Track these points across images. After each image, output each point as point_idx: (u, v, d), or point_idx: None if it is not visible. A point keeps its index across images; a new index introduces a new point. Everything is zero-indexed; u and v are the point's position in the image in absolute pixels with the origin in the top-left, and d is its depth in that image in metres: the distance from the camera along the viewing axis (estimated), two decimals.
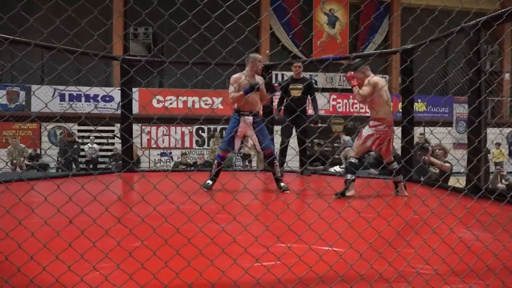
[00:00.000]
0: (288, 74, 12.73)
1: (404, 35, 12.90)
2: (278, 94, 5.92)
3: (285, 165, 5.66)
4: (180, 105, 12.75)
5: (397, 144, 6.43)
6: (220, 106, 12.69)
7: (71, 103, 11.51)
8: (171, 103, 12.42)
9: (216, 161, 4.13)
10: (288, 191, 4.04)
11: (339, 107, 14.05)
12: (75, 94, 11.79)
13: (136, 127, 11.18)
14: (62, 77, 10.32)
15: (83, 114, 10.44)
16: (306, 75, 13.81)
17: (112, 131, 11.48)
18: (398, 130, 4.32)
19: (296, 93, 5.44)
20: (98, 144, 11.66)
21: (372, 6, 14.54)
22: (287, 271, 1.62)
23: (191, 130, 12.47)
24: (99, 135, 11.69)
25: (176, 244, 1.64)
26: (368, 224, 1.70)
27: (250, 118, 4.08)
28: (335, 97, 13.97)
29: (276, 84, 4.15)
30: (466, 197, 3.00)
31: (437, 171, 6.11)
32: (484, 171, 3.97)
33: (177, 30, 1.71)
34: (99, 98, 11.94)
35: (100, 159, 11.55)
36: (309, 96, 5.58)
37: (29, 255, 1.52)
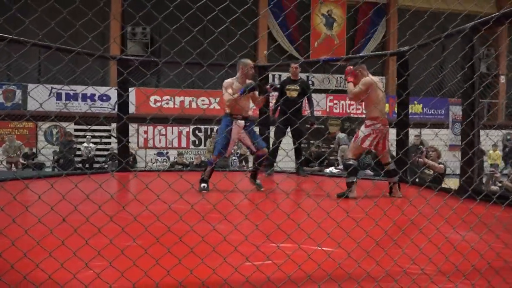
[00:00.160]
0: (285, 75, 12.79)
1: (402, 36, 12.98)
2: (275, 95, 5.96)
3: (275, 165, 5.72)
4: (177, 105, 12.76)
5: (392, 145, 6.48)
6: (217, 106, 12.72)
7: (66, 102, 11.51)
8: (167, 103, 12.45)
9: (208, 166, 4.16)
10: (262, 189, 4.19)
11: (335, 108, 14.10)
12: (71, 94, 11.79)
13: (133, 127, 11.21)
14: (60, 74, 10.32)
15: (77, 114, 10.45)
16: (303, 76, 13.91)
17: (109, 130, 11.49)
18: (393, 131, 4.37)
19: (292, 94, 5.49)
20: (95, 143, 11.67)
21: (369, 8, 14.61)
22: (276, 270, 1.65)
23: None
24: (95, 134, 11.70)
25: (168, 242, 1.66)
26: (356, 224, 1.74)
27: (242, 122, 4.16)
28: (331, 98, 14.03)
29: (267, 86, 4.20)
30: (457, 198, 3.05)
31: (431, 172, 6.16)
32: (477, 172, 4.01)
33: (170, 33, 1.74)
34: (96, 98, 11.95)
35: (96, 159, 11.56)
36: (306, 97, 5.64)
37: (22, 252, 1.54)
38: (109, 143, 11.86)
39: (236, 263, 1.66)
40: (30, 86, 11.41)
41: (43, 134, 11.82)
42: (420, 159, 6.42)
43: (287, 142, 5.26)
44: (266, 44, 13.67)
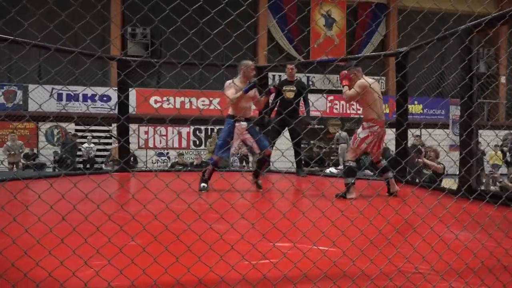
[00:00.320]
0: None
1: (401, 36, 13.00)
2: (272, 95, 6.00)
3: (271, 165, 5.78)
4: (178, 106, 12.80)
5: (392, 146, 6.50)
6: (217, 107, 12.75)
7: (65, 103, 11.55)
8: (168, 104, 12.49)
9: (210, 166, 4.19)
10: (261, 189, 4.24)
11: (336, 109, 14.13)
12: (72, 94, 11.84)
13: (133, 127, 11.24)
14: (60, 76, 10.37)
15: (76, 114, 10.49)
16: (303, 76, 13.93)
17: (109, 130, 11.53)
18: (391, 131, 4.39)
19: (289, 95, 5.52)
20: (95, 144, 11.71)
21: (369, 8, 14.62)
22: (272, 268, 1.68)
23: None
24: (94, 135, 11.73)
25: (165, 241, 1.69)
26: (350, 223, 1.77)
27: (244, 123, 4.20)
28: (332, 98, 14.05)
29: (272, 88, 4.24)
30: (452, 198, 3.07)
31: (430, 172, 6.19)
32: (476, 172, 4.04)
33: (169, 35, 1.76)
34: (96, 98, 11.99)
35: (97, 159, 11.60)
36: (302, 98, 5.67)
37: (23, 250, 1.57)
38: (110, 144, 11.89)
39: (232, 261, 1.68)
40: (31, 86, 11.45)
41: (43, 135, 11.86)
42: (419, 159, 6.46)
43: (282, 142, 5.30)
44: (266, 45, 13.71)
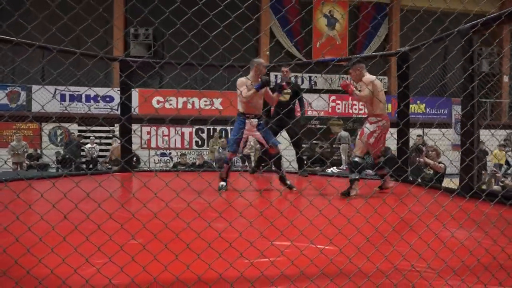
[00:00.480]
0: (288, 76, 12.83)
1: (402, 36, 13.00)
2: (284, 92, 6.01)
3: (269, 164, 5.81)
4: (180, 106, 12.85)
5: (393, 145, 6.51)
6: (220, 107, 12.78)
7: (67, 104, 11.62)
8: (170, 104, 12.54)
9: (224, 164, 4.27)
10: (295, 188, 4.25)
11: (338, 109, 14.14)
12: (75, 95, 11.90)
13: (136, 127, 11.29)
14: (63, 77, 10.43)
15: (79, 115, 10.55)
16: (306, 76, 13.94)
17: (113, 131, 11.58)
18: (393, 131, 4.41)
19: (284, 97, 5.52)
20: (98, 144, 11.77)
21: (372, 8, 14.62)
22: (269, 265, 1.71)
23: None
24: (96, 135, 11.79)
25: (165, 239, 1.72)
26: (347, 221, 1.79)
27: (255, 120, 4.26)
28: (334, 98, 14.06)
29: (284, 84, 4.27)
30: (452, 197, 3.09)
31: (431, 172, 6.20)
32: (477, 171, 4.05)
33: (171, 36, 1.79)
34: (99, 99, 12.05)
35: (100, 159, 11.65)
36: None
37: (26, 248, 1.61)
38: (111, 144, 11.96)
39: (231, 259, 1.71)
40: (34, 87, 11.52)
41: (47, 135, 11.93)
42: (420, 159, 6.47)
43: (281, 142, 5.33)
44: (268, 46, 13.73)
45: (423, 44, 4.42)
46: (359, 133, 4.06)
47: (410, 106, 14.00)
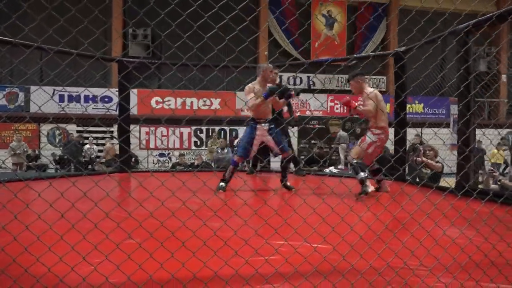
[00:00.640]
0: (286, 75, 12.87)
1: (401, 36, 13.03)
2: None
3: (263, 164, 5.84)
4: (180, 106, 12.87)
5: (390, 145, 6.54)
6: (219, 107, 12.81)
7: (64, 104, 11.63)
8: (169, 105, 12.56)
9: (231, 166, 4.28)
10: (294, 189, 4.27)
11: (336, 108, 14.17)
12: (74, 95, 11.92)
13: (135, 128, 11.30)
14: (61, 77, 10.45)
15: (77, 116, 10.57)
16: (304, 76, 13.97)
17: (111, 131, 11.60)
18: (391, 131, 4.45)
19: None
20: (97, 145, 11.79)
21: (370, 8, 14.66)
22: (264, 263, 1.73)
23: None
24: (97, 136, 11.81)
25: (161, 237, 1.75)
26: (341, 219, 1.82)
27: (266, 125, 4.28)
28: (332, 98, 14.09)
29: (292, 92, 4.29)
30: (452, 196, 3.12)
31: (429, 171, 6.23)
32: (472, 170, 4.08)
33: (165, 37, 1.81)
34: (98, 99, 12.07)
35: (98, 160, 11.67)
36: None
37: (23, 247, 1.63)
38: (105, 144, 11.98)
39: (226, 257, 1.74)
40: (33, 88, 11.53)
41: (45, 136, 11.95)
42: (418, 158, 6.50)
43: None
44: (266, 46, 13.75)
45: (418, 45, 4.46)
46: (360, 139, 4.12)
47: (409, 106, 14.03)
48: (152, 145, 12.55)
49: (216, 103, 12.90)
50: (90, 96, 12.07)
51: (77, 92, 11.80)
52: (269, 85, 4.21)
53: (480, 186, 7.08)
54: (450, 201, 2.29)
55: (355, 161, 4.00)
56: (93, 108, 12.23)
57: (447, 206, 2.07)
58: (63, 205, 1.75)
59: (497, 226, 2.04)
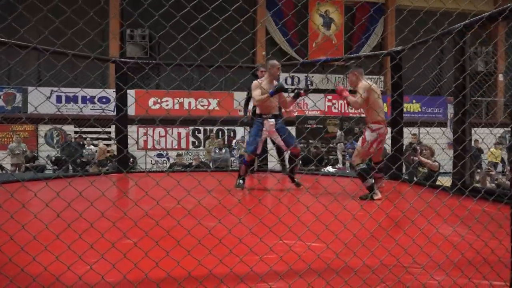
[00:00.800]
0: (284, 75, 12.89)
1: (399, 36, 13.07)
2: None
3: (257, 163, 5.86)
4: (177, 107, 12.89)
5: (387, 145, 6.56)
6: (217, 108, 12.82)
7: (62, 105, 11.63)
8: (167, 105, 12.58)
9: (243, 165, 4.35)
10: (302, 186, 4.31)
11: (335, 108, 14.21)
12: (71, 96, 11.92)
13: (132, 128, 11.32)
14: (59, 78, 10.45)
15: (75, 116, 10.57)
16: (302, 76, 13.99)
17: (108, 132, 11.61)
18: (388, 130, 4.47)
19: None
20: (95, 145, 11.79)
21: (367, 7, 14.70)
22: (258, 261, 1.75)
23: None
24: (96, 136, 11.81)
25: (156, 236, 1.77)
26: (334, 217, 1.84)
27: (272, 120, 4.31)
28: (330, 97, 14.12)
29: (302, 91, 4.31)
30: (446, 194, 3.14)
31: (426, 170, 6.27)
32: (468, 169, 4.10)
33: (162, 39, 1.83)
34: (95, 100, 12.07)
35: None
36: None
37: (20, 246, 1.65)
38: (109, 145, 11.98)
39: (220, 255, 1.76)
40: (30, 89, 11.53)
41: (43, 137, 11.95)
42: (414, 157, 6.53)
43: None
44: (264, 46, 13.78)
45: (410, 46, 4.50)
46: (360, 142, 4.00)
47: (406, 105, 14.04)
48: (150, 146, 12.56)
49: (214, 103, 12.92)
50: (88, 97, 12.07)
51: (75, 93, 11.80)
52: (276, 82, 4.27)
53: (477, 185, 7.12)
54: (444, 199, 2.31)
55: (361, 166, 3.85)
56: (91, 109, 12.23)
57: (440, 204, 2.09)
58: (59, 205, 1.76)
59: (489, 223, 2.06)
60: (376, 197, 3.70)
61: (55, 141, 12.05)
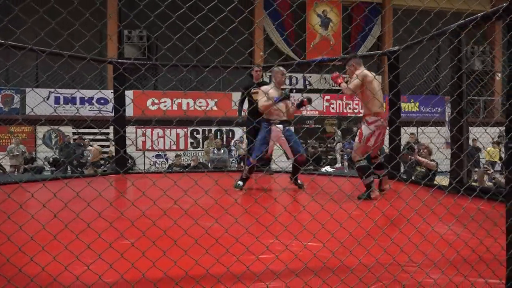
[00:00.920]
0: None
1: (400, 35, 13.07)
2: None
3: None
4: (176, 108, 12.90)
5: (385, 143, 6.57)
6: (215, 108, 12.82)
7: (60, 106, 11.63)
8: (165, 106, 12.58)
9: (247, 167, 4.38)
10: (305, 187, 4.31)
11: (332, 108, 14.22)
12: (69, 97, 11.91)
13: (131, 129, 11.32)
14: (57, 80, 10.45)
15: (73, 117, 10.57)
16: (300, 76, 14.00)
17: (107, 133, 11.60)
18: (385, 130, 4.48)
19: (256, 96, 5.52)
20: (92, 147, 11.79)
21: (361, 8, 14.72)
22: (255, 260, 1.76)
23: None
24: (94, 137, 11.81)
25: (153, 236, 1.78)
26: (330, 216, 1.85)
27: (280, 126, 4.35)
28: (328, 97, 14.14)
29: (305, 100, 4.34)
30: (442, 193, 3.15)
31: (423, 169, 6.28)
32: (465, 167, 4.12)
33: (159, 39, 1.84)
34: (93, 101, 12.07)
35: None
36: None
37: (17, 246, 1.65)
38: (107, 146, 11.98)
39: (217, 255, 1.77)
40: (28, 90, 11.52)
41: (41, 138, 11.94)
42: (412, 157, 6.55)
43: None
44: (262, 46, 13.79)
45: (405, 45, 4.52)
46: (357, 136, 3.87)
47: (404, 104, 14.07)
48: (148, 146, 12.56)
49: (212, 104, 12.92)
50: (86, 98, 12.07)
51: (73, 94, 11.80)
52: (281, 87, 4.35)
53: (475, 184, 7.14)
54: (439, 198, 2.32)
55: (360, 163, 3.78)
56: (89, 110, 12.22)
57: (435, 203, 2.11)
58: (56, 206, 1.77)
59: (485, 221, 2.07)
60: (373, 195, 3.67)
61: (53, 142, 12.04)
